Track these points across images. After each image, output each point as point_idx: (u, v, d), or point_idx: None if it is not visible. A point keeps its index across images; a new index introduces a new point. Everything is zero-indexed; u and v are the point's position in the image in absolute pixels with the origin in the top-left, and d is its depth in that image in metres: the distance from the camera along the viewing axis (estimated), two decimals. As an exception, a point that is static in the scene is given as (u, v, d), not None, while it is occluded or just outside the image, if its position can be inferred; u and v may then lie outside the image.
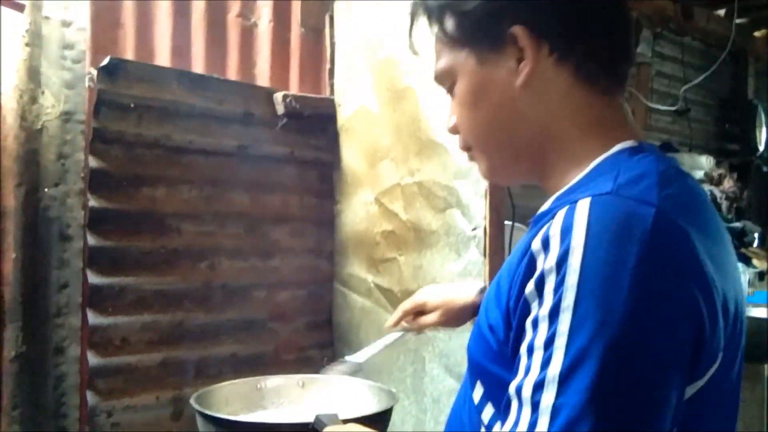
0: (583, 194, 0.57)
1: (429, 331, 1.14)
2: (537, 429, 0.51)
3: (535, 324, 0.54)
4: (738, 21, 2.65)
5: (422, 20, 0.74)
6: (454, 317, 1.11)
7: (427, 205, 1.54)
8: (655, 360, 0.52)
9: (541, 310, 0.54)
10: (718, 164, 2.90)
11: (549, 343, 0.52)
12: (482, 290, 1.10)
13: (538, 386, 0.52)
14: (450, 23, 0.70)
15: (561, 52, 0.66)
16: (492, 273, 1.34)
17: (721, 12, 3.00)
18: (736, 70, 3.30)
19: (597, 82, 0.67)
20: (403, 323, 1.16)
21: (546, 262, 0.55)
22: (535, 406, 0.52)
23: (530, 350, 0.54)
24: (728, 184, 2.73)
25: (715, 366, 0.58)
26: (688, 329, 0.54)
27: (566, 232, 0.54)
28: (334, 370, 1.25)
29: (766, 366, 2.05)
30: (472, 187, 1.40)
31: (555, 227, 0.55)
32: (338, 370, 1.25)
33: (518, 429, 0.52)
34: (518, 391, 0.54)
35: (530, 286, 0.56)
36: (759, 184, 3.23)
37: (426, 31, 0.75)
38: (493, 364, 0.64)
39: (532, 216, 0.78)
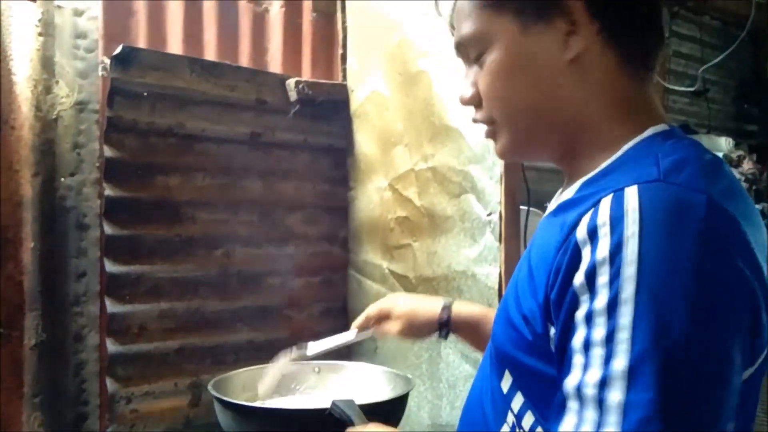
0: (626, 180, 0.55)
1: (391, 337, 1.16)
2: (605, 429, 0.49)
3: (590, 318, 0.52)
4: (757, -1, 2.58)
5: None
6: (416, 329, 1.11)
7: (441, 190, 1.53)
8: (722, 349, 0.50)
9: (595, 304, 0.51)
10: (736, 146, 2.85)
11: (610, 338, 0.50)
12: (445, 307, 1.09)
13: (603, 384, 0.49)
14: None
15: (609, 32, 0.64)
16: (508, 258, 1.33)
17: (740, -10, 2.93)
18: (755, 50, 3.23)
19: (635, 65, 0.66)
20: (372, 325, 1.17)
21: (597, 253, 0.52)
22: (600, 404, 0.49)
23: (587, 346, 0.51)
24: (748, 165, 2.68)
25: (765, 353, 0.57)
26: (748, 316, 0.53)
27: (617, 221, 0.52)
28: (283, 358, 1.27)
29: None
30: (487, 172, 1.39)
31: (602, 216, 0.53)
32: (285, 358, 1.26)
33: (582, 430, 0.50)
34: (579, 389, 0.51)
35: (579, 278, 0.53)
36: (778, 165, 3.17)
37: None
38: (526, 355, 0.62)
39: (547, 200, 0.76)
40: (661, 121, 0.65)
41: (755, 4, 2.52)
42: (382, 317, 1.15)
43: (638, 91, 0.67)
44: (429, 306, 1.11)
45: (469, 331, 1.09)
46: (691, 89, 2.79)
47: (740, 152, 2.79)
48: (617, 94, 0.66)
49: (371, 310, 1.16)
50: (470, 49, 0.70)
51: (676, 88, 2.75)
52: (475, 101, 0.71)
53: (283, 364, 1.25)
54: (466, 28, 0.69)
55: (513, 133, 0.70)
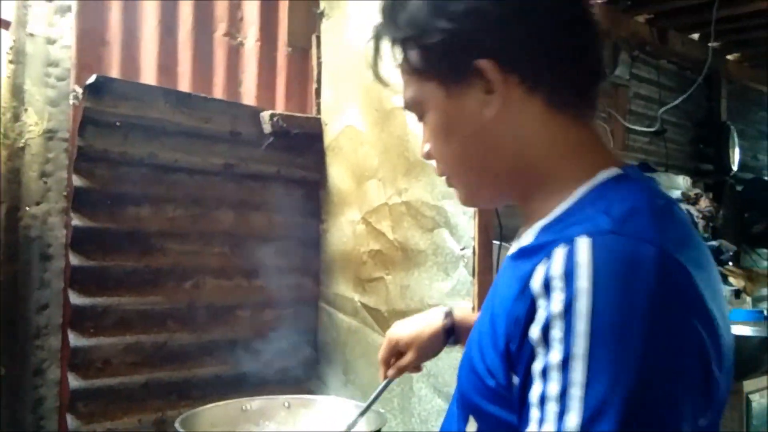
0: (578, 230, 0.56)
1: (411, 372, 1.11)
2: None
3: (545, 373, 0.52)
4: (711, 45, 2.72)
5: (386, 49, 0.72)
6: (429, 349, 1.07)
7: (415, 224, 1.55)
8: (673, 407, 0.51)
9: (549, 358, 0.52)
10: (693, 184, 2.96)
11: (563, 394, 0.50)
12: (447, 314, 1.06)
13: None
14: (414, 55, 0.68)
15: (530, 82, 0.65)
16: (481, 292, 1.34)
17: (695, 36, 3.09)
18: (710, 93, 3.38)
19: (569, 107, 0.67)
20: (389, 372, 1.10)
21: (551, 307, 0.53)
22: None
23: (542, 401, 0.52)
24: (704, 203, 2.78)
25: (721, 397, 0.58)
26: (699, 369, 0.54)
27: (569, 275, 0.53)
28: None
29: (744, 383, 2.08)
30: (461, 207, 1.41)
31: (555, 268, 0.54)
32: None
33: None
34: None
35: (535, 332, 0.54)
36: (732, 203, 3.30)
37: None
38: (489, 403, 0.62)
39: (518, 236, 0.77)
40: (611, 162, 0.66)
41: (711, 50, 2.65)
42: (394, 356, 1.10)
43: (581, 131, 0.68)
44: (429, 321, 1.07)
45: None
46: (651, 129, 2.91)
47: (697, 190, 2.90)
48: (555, 138, 0.67)
49: (382, 354, 1.10)
50: (414, 111, 0.73)
51: (636, 128, 2.86)
52: (431, 156, 0.74)
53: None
54: (406, 92, 0.72)
55: (464, 186, 0.74)
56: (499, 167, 0.69)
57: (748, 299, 2.88)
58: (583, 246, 0.54)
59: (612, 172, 0.64)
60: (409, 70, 0.70)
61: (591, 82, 0.69)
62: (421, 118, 0.73)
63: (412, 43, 0.68)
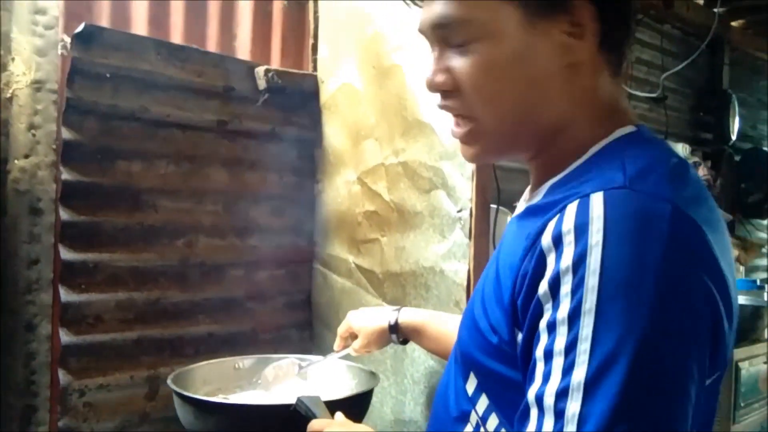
0: (592, 186, 0.54)
1: (360, 354, 1.27)
2: None
3: (552, 327, 0.51)
4: (716, 10, 2.67)
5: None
6: (375, 341, 1.21)
7: (411, 185, 1.52)
8: (681, 364, 0.50)
9: (558, 313, 0.51)
10: (692, 152, 2.94)
11: (570, 348, 0.50)
12: (394, 313, 1.19)
13: (562, 393, 0.49)
14: None
15: (604, 37, 0.62)
16: (477, 255, 1.33)
17: (701, 1, 3.02)
18: (713, 60, 3.33)
19: (616, 69, 0.65)
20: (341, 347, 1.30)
21: (561, 262, 0.52)
22: (559, 414, 0.49)
23: (548, 355, 0.51)
24: (702, 172, 2.77)
25: (728, 357, 0.58)
26: (709, 327, 0.53)
27: (581, 229, 0.52)
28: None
29: (734, 350, 2.10)
30: (458, 168, 1.39)
31: (567, 223, 0.53)
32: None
33: None
34: (539, 398, 0.51)
35: (543, 287, 0.53)
36: (730, 172, 3.29)
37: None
38: (491, 359, 0.62)
39: (516, 199, 0.76)
40: (628, 121, 0.64)
41: (717, 16, 2.60)
42: (352, 335, 1.25)
43: (616, 90, 0.66)
44: (378, 317, 1.20)
45: (415, 335, 1.17)
46: (652, 95, 2.87)
47: (696, 159, 2.88)
48: (602, 100, 0.65)
49: (340, 331, 1.27)
50: (455, 33, 0.63)
51: (638, 93, 2.82)
52: (449, 88, 0.65)
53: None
54: (455, 9, 0.62)
55: (496, 134, 0.66)
56: (542, 120, 0.64)
57: (742, 268, 2.90)
58: (597, 201, 0.52)
59: (627, 129, 0.63)
60: None
61: (628, 42, 0.67)
62: (460, 43, 0.62)
63: None
